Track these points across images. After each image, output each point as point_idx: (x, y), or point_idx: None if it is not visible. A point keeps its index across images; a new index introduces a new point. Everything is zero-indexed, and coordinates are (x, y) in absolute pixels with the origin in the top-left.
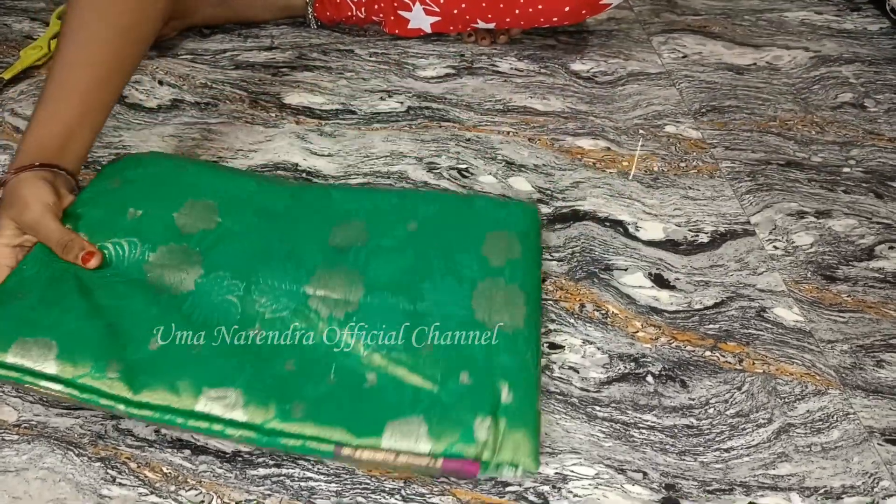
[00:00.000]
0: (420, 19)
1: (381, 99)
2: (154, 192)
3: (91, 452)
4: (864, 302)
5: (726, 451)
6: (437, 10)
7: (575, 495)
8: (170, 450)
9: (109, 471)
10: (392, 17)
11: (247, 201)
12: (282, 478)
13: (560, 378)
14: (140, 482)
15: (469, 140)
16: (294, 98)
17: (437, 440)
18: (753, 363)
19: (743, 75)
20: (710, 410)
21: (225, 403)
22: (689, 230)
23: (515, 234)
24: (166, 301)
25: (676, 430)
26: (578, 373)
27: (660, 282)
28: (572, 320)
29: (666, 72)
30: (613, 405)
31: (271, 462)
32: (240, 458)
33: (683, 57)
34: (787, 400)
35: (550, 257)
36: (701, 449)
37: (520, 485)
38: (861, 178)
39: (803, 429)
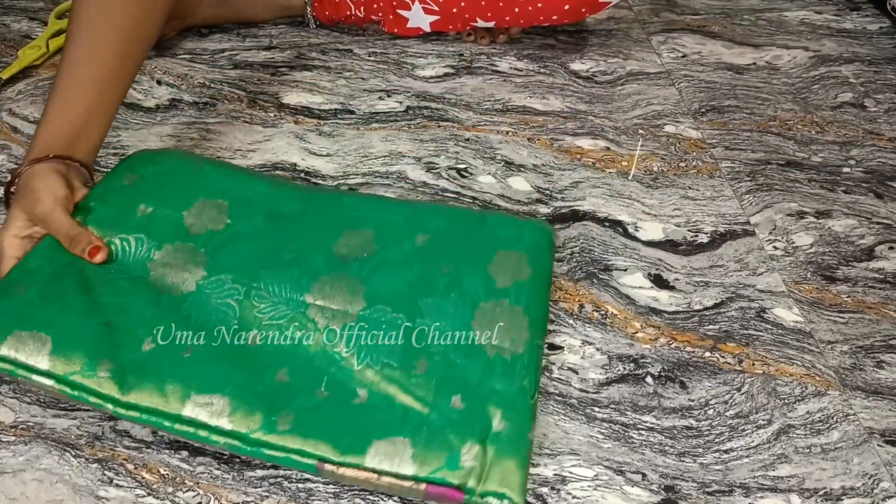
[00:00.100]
0: (419, 18)
1: (380, 98)
2: (166, 190)
3: (88, 454)
4: (864, 302)
5: (726, 452)
6: (436, 8)
7: (574, 497)
8: (167, 451)
9: (107, 472)
10: (391, 16)
11: (258, 204)
12: (279, 479)
13: (559, 379)
14: (137, 484)
15: (468, 140)
16: (293, 98)
17: (422, 464)
18: (753, 364)
19: (742, 75)
20: (710, 411)
21: (211, 410)
22: (689, 230)
23: (526, 254)
24: (166, 301)
25: (676, 432)
26: (577, 374)
27: (659, 282)
28: (571, 321)
29: (665, 71)
30: (613, 406)
31: (269, 464)
32: (237, 460)
33: (683, 56)
34: (786, 401)
35: None
36: (700, 450)
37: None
38: (861, 178)
39: (803, 430)
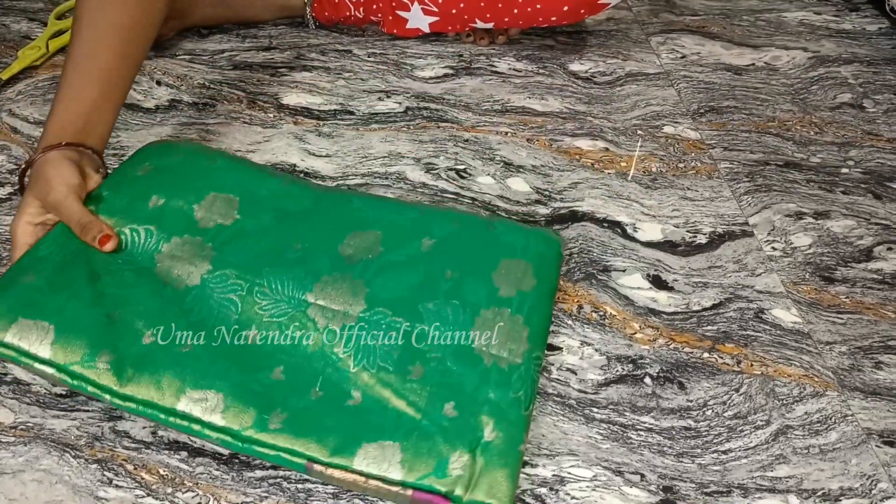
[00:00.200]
0: (418, 19)
1: (380, 99)
2: (179, 182)
3: (88, 454)
4: (863, 303)
5: (724, 453)
6: (435, 9)
7: (573, 497)
8: (167, 452)
9: (106, 473)
10: (390, 17)
11: (268, 200)
12: (279, 480)
13: (558, 380)
14: (137, 484)
15: (467, 140)
16: (292, 98)
17: (410, 470)
18: (751, 365)
19: (741, 76)
20: (708, 412)
21: (204, 406)
22: (688, 231)
23: (532, 264)
24: (169, 294)
25: (674, 432)
26: (576, 374)
27: (658, 283)
28: (570, 322)
29: (664, 72)
30: (611, 407)
31: (268, 464)
32: (237, 461)
33: (682, 57)
34: (785, 402)
35: None
36: (699, 451)
37: (517, 486)
38: (860, 179)
39: (801, 431)
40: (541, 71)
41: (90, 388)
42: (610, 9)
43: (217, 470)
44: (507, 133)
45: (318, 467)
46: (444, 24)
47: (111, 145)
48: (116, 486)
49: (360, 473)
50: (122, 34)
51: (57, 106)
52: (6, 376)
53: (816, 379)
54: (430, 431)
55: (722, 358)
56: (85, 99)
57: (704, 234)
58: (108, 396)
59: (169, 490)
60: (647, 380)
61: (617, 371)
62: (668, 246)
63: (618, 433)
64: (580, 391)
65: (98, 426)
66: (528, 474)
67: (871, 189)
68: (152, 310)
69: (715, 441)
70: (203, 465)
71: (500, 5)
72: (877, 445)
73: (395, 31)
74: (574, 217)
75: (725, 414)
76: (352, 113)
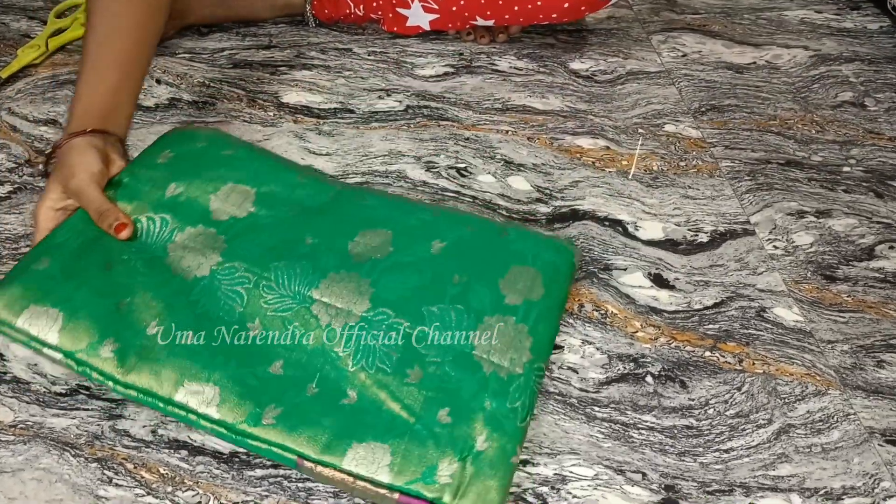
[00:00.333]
0: (419, 17)
1: (380, 98)
2: (198, 171)
3: (88, 453)
4: (865, 302)
5: (726, 451)
6: (435, 7)
7: (574, 496)
8: (167, 450)
9: (106, 471)
10: (390, 15)
11: (284, 194)
12: (279, 479)
13: (559, 378)
14: (137, 483)
15: (468, 139)
16: (292, 97)
17: (398, 474)
18: (753, 363)
19: (743, 74)
20: (710, 411)
21: (200, 398)
22: (689, 230)
23: (542, 273)
24: (178, 285)
25: (676, 431)
26: (577, 373)
27: (659, 281)
28: (571, 320)
29: (665, 70)
30: (613, 406)
31: (269, 463)
32: (237, 459)
33: (683, 56)
34: (787, 400)
35: None
36: (700, 450)
37: (518, 485)
38: (861, 178)
39: (803, 429)
40: (541, 69)
41: (94, 375)
42: (610, 6)
43: (217, 469)
44: (507, 131)
45: (307, 464)
46: (444, 22)
47: None
48: (116, 484)
49: (349, 473)
50: (136, 19)
51: (79, 93)
52: (6, 375)
53: (818, 378)
54: (421, 436)
55: (724, 357)
56: (105, 85)
57: (706, 233)
58: (110, 384)
59: (169, 489)
60: (649, 378)
61: (618, 370)
62: (669, 244)
63: (619, 432)
64: (581, 390)
65: (98, 425)
66: (529, 473)
67: (872, 188)
68: (160, 300)
69: (717, 440)
70: (203, 464)
71: (500, 2)
72: (879, 444)
73: (395, 28)
74: (575, 216)
75: (727, 413)
76: (352, 111)
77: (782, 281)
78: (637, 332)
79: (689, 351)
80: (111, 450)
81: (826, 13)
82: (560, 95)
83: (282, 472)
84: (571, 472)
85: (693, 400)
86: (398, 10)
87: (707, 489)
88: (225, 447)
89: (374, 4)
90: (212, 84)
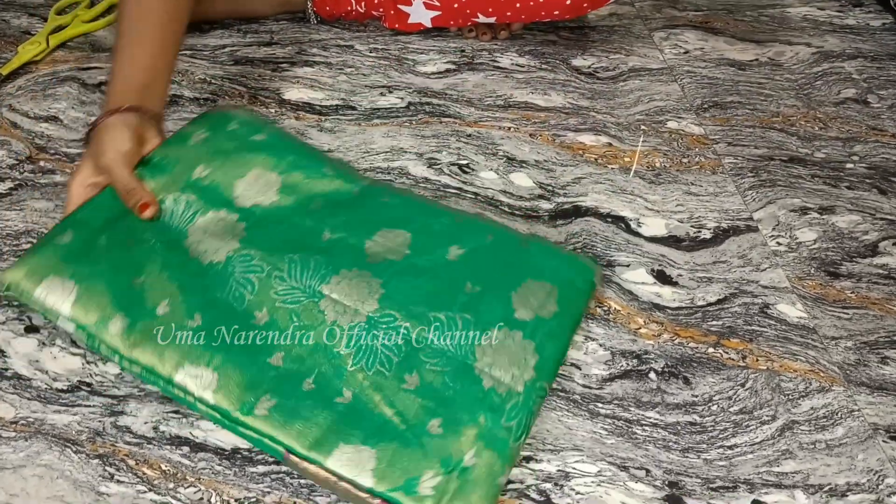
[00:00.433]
0: (420, 14)
1: (382, 95)
2: (227, 154)
3: (89, 449)
4: (868, 298)
5: (730, 448)
6: (437, 4)
7: (577, 493)
8: (168, 447)
9: (107, 468)
10: (392, 12)
11: (309, 185)
12: (281, 475)
13: (562, 375)
14: (138, 479)
15: (470, 136)
16: (294, 94)
17: (380, 479)
18: (757, 360)
19: (745, 71)
20: (714, 407)
21: (198, 382)
22: (692, 226)
23: (557, 290)
24: (193, 268)
25: (679, 427)
26: (581, 370)
27: (662, 278)
28: None
29: (668, 67)
30: (616, 402)
31: (271, 459)
32: (239, 456)
33: (685, 52)
34: (790, 397)
35: None
36: (704, 446)
37: (522, 482)
38: (864, 174)
39: (807, 426)
40: (543, 66)
41: (102, 348)
42: (612, 3)
43: (219, 465)
44: (509, 128)
45: (294, 458)
46: (446, 19)
47: None
48: (118, 481)
49: (333, 473)
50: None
51: (114, 72)
52: (7, 371)
53: (822, 374)
54: (410, 444)
55: (727, 353)
56: (139, 63)
57: (709, 229)
58: (116, 358)
59: (171, 485)
60: (652, 375)
61: (621, 366)
62: (672, 241)
63: (623, 428)
64: (584, 386)
65: (99, 421)
66: (532, 469)
67: (875, 184)
68: (173, 281)
69: (721, 436)
70: (205, 461)
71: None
72: (883, 441)
73: (396, 25)
74: (577, 212)
75: (731, 409)
76: (354, 108)
77: (786, 277)
78: (640, 328)
79: (692, 347)
80: (113, 446)
81: (829, 10)
82: (562, 92)
83: (284, 468)
84: (575, 468)
85: (696, 396)
86: (400, 7)
87: (711, 485)
88: (227, 443)
89: (376, 1)
90: (213, 81)
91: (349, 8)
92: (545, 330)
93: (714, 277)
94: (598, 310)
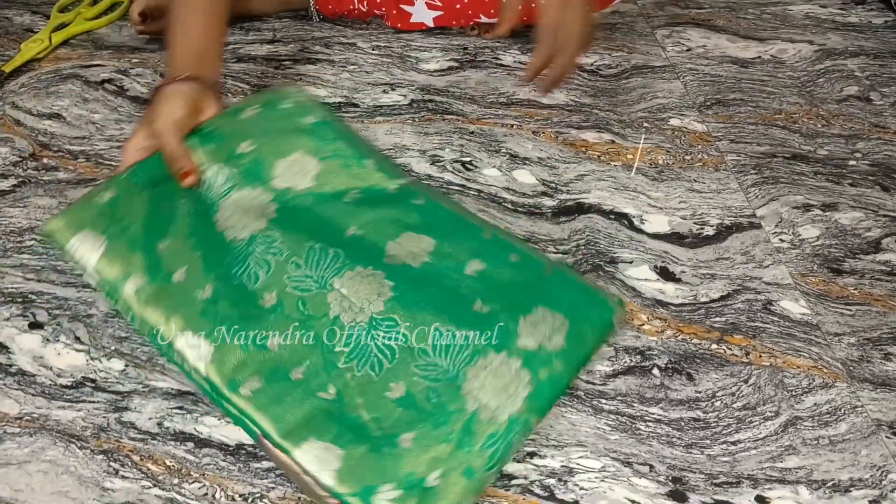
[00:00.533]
0: (422, 13)
1: (384, 92)
2: (274, 133)
3: (93, 445)
4: (871, 295)
5: (733, 444)
6: (439, 4)
7: (581, 488)
8: (173, 443)
9: (112, 464)
10: (394, 11)
11: (346, 176)
12: None
13: None
14: (143, 475)
15: (473, 133)
16: None
17: (340, 482)
18: (760, 356)
19: (747, 68)
20: (717, 403)
21: (195, 353)
22: (695, 223)
23: (569, 324)
24: (217, 242)
25: (683, 423)
26: (584, 365)
27: (665, 274)
28: None
29: (670, 65)
30: (619, 398)
31: None
32: (243, 451)
33: (688, 50)
34: (794, 393)
35: (555, 250)
36: (708, 442)
37: (525, 477)
38: (867, 171)
39: (811, 422)
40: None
41: (119, 304)
42: (615, 5)
43: (223, 461)
44: (512, 125)
45: (266, 442)
46: (448, 19)
47: (115, 137)
48: (123, 476)
49: (299, 465)
50: None
51: (171, 44)
52: (11, 367)
53: (825, 370)
54: (377, 452)
55: (730, 349)
56: (192, 34)
57: (712, 226)
58: (127, 316)
59: (175, 481)
60: (656, 371)
61: (625, 362)
62: (675, 238)
63: (626, 424)
64: (588, 382)
65: (104, 417)
66: (536, 465)
67: (878, 181)
68: (196, 250)
69: (724, 432)
70: (209, 456)
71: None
72: (887, 436)
73: (398, 25)
74: (580, 209)
75: (734, 405)
76: (356, 105)
77: (788, 274)
78: (643, 324)
79: (695, 343)
80: (117, 442)
81: (831, 8)
82: (565, 90)
83: None
84: (578, 464)
85: (700, 392)
86: (402, 6)
87: (714, 481)
88: (231, 439)
89: (378, 0)
90: None
91: (351, 7)
92: (546, 363)
93: (717, 274)
94: None
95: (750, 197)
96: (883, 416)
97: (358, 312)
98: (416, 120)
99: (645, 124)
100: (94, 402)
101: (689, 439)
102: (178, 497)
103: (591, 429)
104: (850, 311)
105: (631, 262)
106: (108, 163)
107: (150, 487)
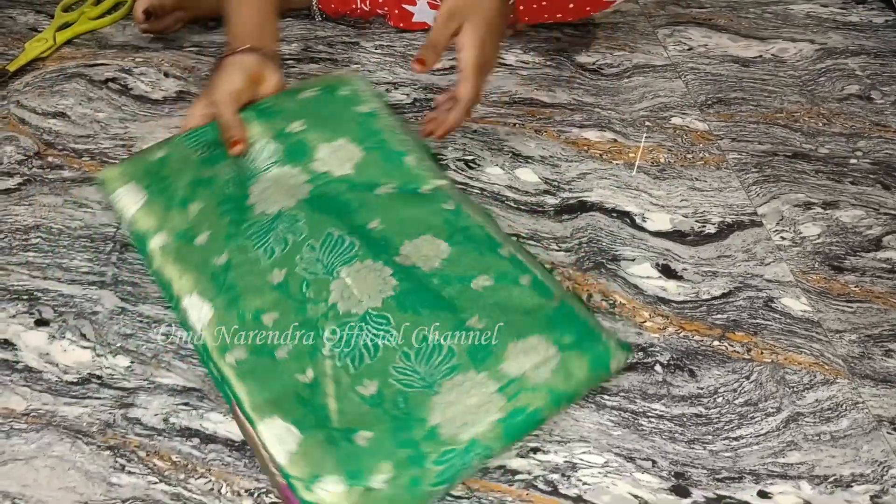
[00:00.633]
0: (425, 13)
1: (387, 91)
2: (325, 117)
3: (100, 441)
4: (872, 292)
5: (735, 439)
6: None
7: (584, 483)
8: (179, 438)
9: (118, 459)
10: (396, 11)
11: (384, 169)
12: None
13: None
14: (149, 471)
15: (475, 132)
16: None
17: (292, 464)
18: (762, 353)
19: (749, 67)
20: (719, 399)
21: (196, 314)
22: (697, 221)
23: (560, 360)
24: (247, 212)
25: (685, 419)
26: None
27: (667, 272)
28: None
29: (672, 64)
30: (622, 394)
31: None
32: (249, 447)
33: (689, 49)
34: (795, 389)
35: (558, 248)
36: (710, 437)
37: (529, 472)
38: (868, 170)
39: (812, 418)
40: (548, 63)
41: (143, 255)
42: (617, 4)
43: (229, 456)
44: (515, 124)
45: (238, 411)
46: None
47: (119, 136)
48: (129, 472)
49: (260, 439)
50: None
51: (228, 19)
52: (17, 364)
53: (827, 367)
54: (334, 444)
55: (732, 346)
56: (248, 8)
57: (713, 224)
58: (149, 268)
59: (181, 476)
60: (658, 367)
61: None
62: (676, 235)
63: (629, 420)
64: None
65: (110, 413)
66: (539, 460)
67: (879, 179)
68: (224, 217)
69: (726, 428)
70: (215, 452)
71: None
72: (888, 432)
73: (401, 24)
74: (583, 207)
75: (736, 401)
76: None
77: (790, 271)
78: (645, 321)
79: (697, 340)
80: (123, 438)
81: (831, 7)
82: (567, 89)
83: None
84: (582, 459)
85: (702, 388)
86: (404, 6)
87: (717, 476)
88: (237, 435)
89: (381, 0)
90: None
91: (354, 6)
92: (525, 394)
93: (719, 271)
94: (604, 303)
95: (751, 195)
96: (884, 411)
97: (355, 304)
98: (419, 119)
99: (647, 123)
100: (100, 398)
101: (692, 435)
102: (185, 492)
103: (594, 424)
104: (851, 308)
105: (633, 260)
106: (113, 161)
107: (156, 483)
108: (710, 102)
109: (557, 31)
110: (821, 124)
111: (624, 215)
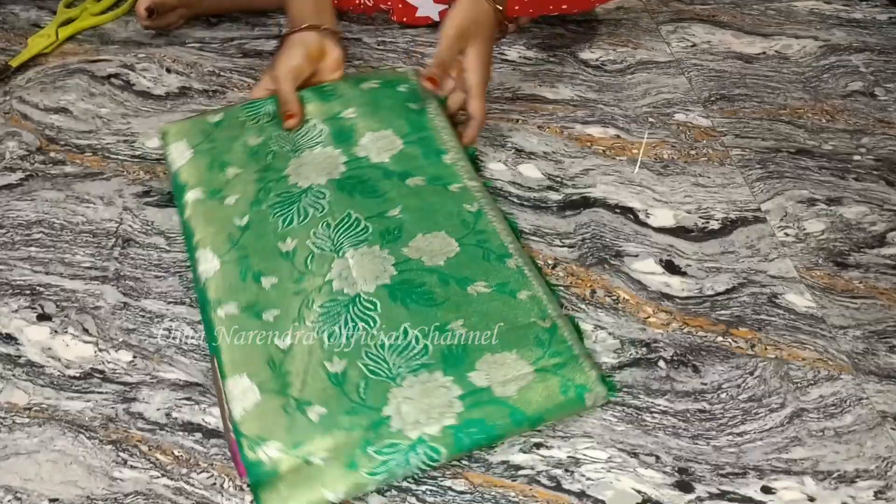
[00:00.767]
0: (428, 7)
1: None
2: (378, 109)
3: (102, 435)
4: (876, 288)
5: (739, 435)
6: None
7: (588, 478)
8: (181, 433)
9: (121, 453)
10: (400, 5)
11: (421, 164)
12: None
13: None
14: (151, 465)
15: None
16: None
17: (243, 422)
18: (766, 348)
19: (752, 64)
20: (723, 395)
21: (205, 266)
22: (700, 217)
23: (533, 381)
24: (281, 182)
25: (689, 415)
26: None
27: (671, 268)
28: (583, 306)
29: (675, 60)
30: (626, 390)
31: None
32: None
33: (692, 46)
34: (799, 385)
35: (561, 244)
36: (714, 433)
37: (532, 468)
38: (872, 166)
39: (816, 413)
40: (551, 59)
41: (178, 203)
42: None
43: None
44: (517, 120)
45: (215, 364)
46: None
47: (122, 132)
48: (131, 466)
49: (224, 392)
50: None
51: (289, 1)
52: (20, 358)
53: (831, 363)
54: (285, 412)
55: (736, 342)
56: None
57: (717, 220)
58: (180, 219)
59: (184, 471)
60: (661, 363)
61: (631, 354)
62: (680, 231)
63: (632, 415)
64: None
65: (112, 408)
66: (542, 455)
67: (883, 176)
68: (258, 183)
69: (730, 423)
70: (217, 446)
71: None
72: (892, 428)
73: (404, 19)
74: (586, 203)
75: (740, 397)
76: None
77: (794, 267)
78: (649, 317)
79: (701, 336)
80: (126, 432)
81: (835, 3)
82: (570, 85)
83: None
84: (585, 454)
85: (706, 384)
86: (408, 0)
87: (720, 472)
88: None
89: None
90: (222, 73)
91: (357, 1)
92: (487, 408)
93: (722, 267)
94: (608, 299)
95: (755, 191)
96: (888, 407)
97: (349, 285)
98: None
99: (650, 119)
100: (102, 392)
101: (695, 430)
102: (187, 487)
103: (597, 420)
104: (855, 304)
105: (636, 256)
106: (115, 157)
107: (158, 477)
108: (713, 99)
109: (560, 27)
110: (824, 121)
111: (627, 211)
